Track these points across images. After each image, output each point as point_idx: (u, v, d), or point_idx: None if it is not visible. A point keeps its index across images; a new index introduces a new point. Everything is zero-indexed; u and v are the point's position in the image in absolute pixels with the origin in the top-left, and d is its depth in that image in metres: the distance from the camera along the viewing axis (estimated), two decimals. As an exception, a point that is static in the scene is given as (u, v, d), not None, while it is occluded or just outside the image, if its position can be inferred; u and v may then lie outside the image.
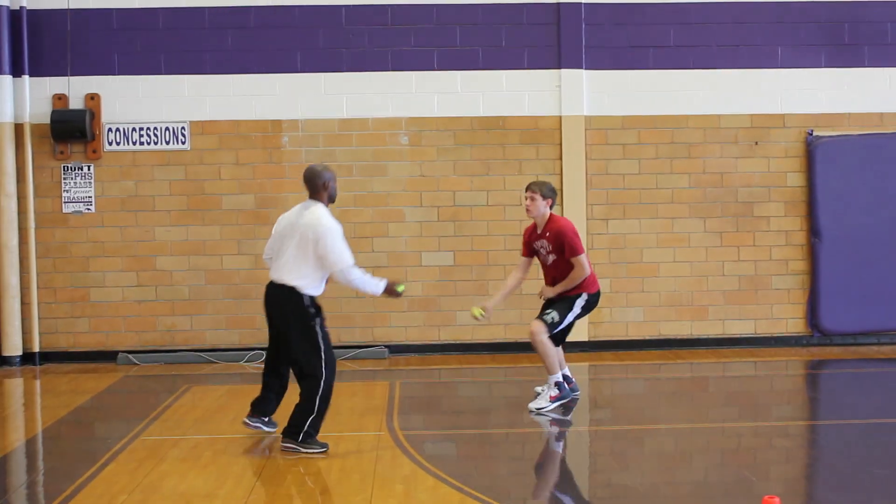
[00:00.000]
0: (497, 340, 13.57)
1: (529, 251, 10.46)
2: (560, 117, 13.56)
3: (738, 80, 13.75)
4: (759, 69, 13.77)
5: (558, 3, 13.49)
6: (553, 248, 10.09)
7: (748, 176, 13.71)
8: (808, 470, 8.41)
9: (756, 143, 13.69)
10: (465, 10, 13.54)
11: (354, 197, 13.45)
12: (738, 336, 13.73)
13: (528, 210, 10.24)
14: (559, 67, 13.55)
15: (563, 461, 9.10)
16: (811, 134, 13.66)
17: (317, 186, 8.80)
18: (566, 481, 8.46)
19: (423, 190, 13.54)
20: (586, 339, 13.53)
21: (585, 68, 13.56)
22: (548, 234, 10.13)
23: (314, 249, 8.48)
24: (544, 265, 10.32)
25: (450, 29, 13.55)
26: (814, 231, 13.55)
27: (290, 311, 8.56)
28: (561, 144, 13.55)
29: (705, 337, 13.71)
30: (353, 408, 10.44)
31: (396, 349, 13.46)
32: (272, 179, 13.45)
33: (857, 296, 13.49)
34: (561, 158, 13.53)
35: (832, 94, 13.81)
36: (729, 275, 13.73)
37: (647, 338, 13.68)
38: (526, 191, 10.29)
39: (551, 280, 10.24)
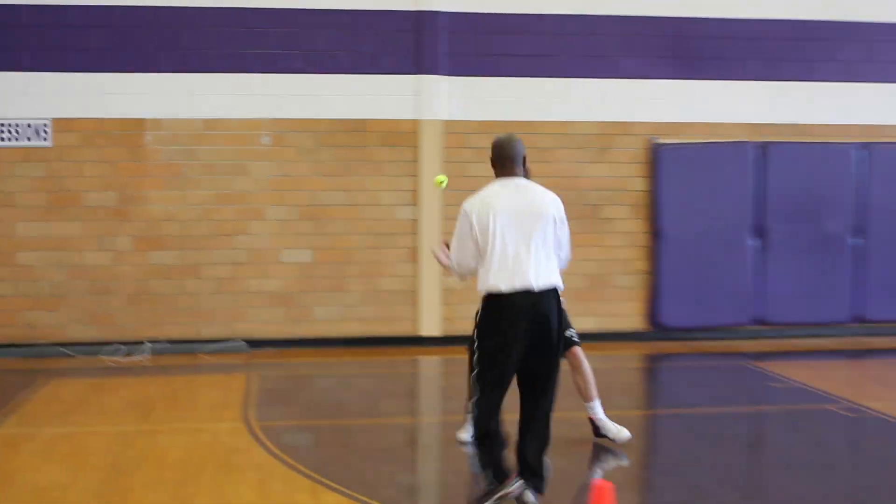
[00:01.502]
0: (354, 335, 13.56)
1: None
2: (419, 121, 13.62)
3: (588, 89, 13.97)
4: (608, 79, 14.00)
5: (418, 12, 13.54)
6: None
7: (596, 180, 13.96)
8: (642, 457, 8.61)
9: (603, 148, 13.95)
10: (328, 15, 13.48)
11: (216, 195, 13.30)
12: (583, 331, 13.91)
13: None
14: (418, 73, 13.60)
15: (415, 451, 9.17)
16: (654, 141, 13.99)
17: (520, 160, 6.89)
18: (417, 470, 8.55)
19: (284, 189, 13.45)
20: (440, 335, 13.63)
21: (444, 75, 13.63)
22: None
23: (557, 236, 6.82)
24: None
25: (313, 33, 13.48)
26: (655, 233, 13.87)
27: (556, 320, 6.62)
28: (419, 147, 13.61)
29: (554, 332, 13.88)
30: (212, 400, 10.34)
31: (256, 343, 13.34)
32: (135, 177, 13.20)
33: (693, 294, 13.85)
34: (419, 161, 13.59)
35: (674, 105, 14.12)
36: (575, 273, 13.85)
37: (499, 333, 13.79)
38: None
39: None
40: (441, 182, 7.96)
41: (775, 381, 11.55)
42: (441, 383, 12.59)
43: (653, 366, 13.25)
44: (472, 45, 13.74)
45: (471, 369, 6.85)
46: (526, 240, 6.60)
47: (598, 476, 7.55)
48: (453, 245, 6.83)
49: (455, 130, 13.67)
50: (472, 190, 13.71)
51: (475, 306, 14.26)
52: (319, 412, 10.22)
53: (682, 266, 13.85)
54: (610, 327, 13.86)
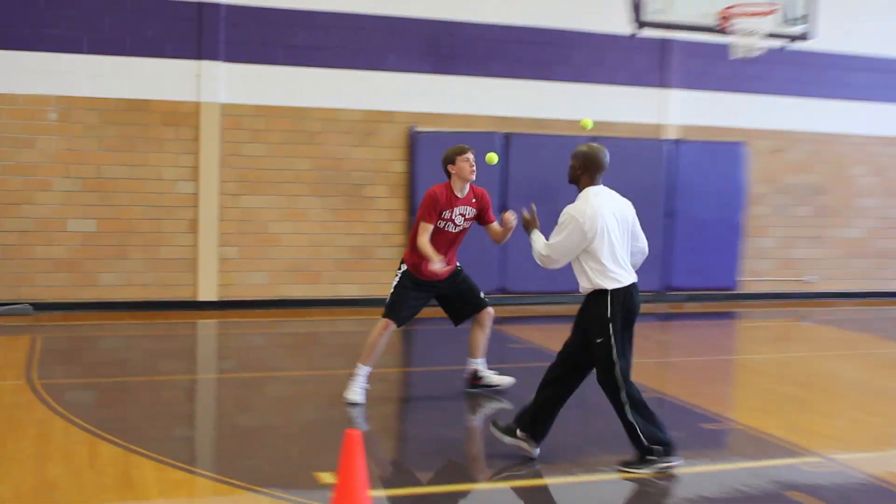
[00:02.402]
0: (136, 300, 13.24)
1: (438, 220, 8.51)
2: (199, 103, 13.35)
3: (355, 79, 14.03)
4: (373, 71, 14.10)
5: (199, 3, 13.26)
6: (475, 215, 8.59)
7: (360, 162, 14.06)
8: (400, 407, 8.77)
9: (368, 134, 14.06)
10: (115, 1, 13.05)
11: (3, 167, 12.69)
12: (347, 297, 14.09)
13: (472, 173, 8.42)
14: (199, 58, 13.34)
15: (192, 405, 9.02)
16: (413, 129, 14.18)
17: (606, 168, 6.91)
18: (195, 423, 8.40)
19: (70, 162, 12.96)
20: (216, 300, 13.46)
21: (223, 61, 13.42)
22: (474, 200, 8.56)
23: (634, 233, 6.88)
24: (448, 235, 8.54)
25: (100, 17, 12.99)
26: (412, 210, 14.05)
27: None
28: (199, 127, 13.36)
29: (319, 298, 13.96)
30: (-5, 360, 9.89)
31: (42, 307, 12.83)
32: (-79, 146, 12.50)
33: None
34: (198, 140, 13.35)
35: (433, 97, 14.36)
36: (340, 245, 14.05)
37: (270, 298, 13.77)
38: (468, 152, 8.45)
39: (446, 252, 8.54)
40: (587, 124, 7.62)
41: (514, 343, 11.96)
42: (216, 343, 12.46)
43: (408, 328, 13.40)
44: (249, 35, 13.57)
45: (612, 364, 6.62)
46: (624, 241, 6.72)
47: (355, 426, 7.64)
48: (559, 242, 6.70)
49: (232, 113, 13.49)
50: (246, 168, 13.69)
51: (250, 274, 14.20)
52: (101, 371, 9.92)
53: (435, 240, 14.05)
54: (371, 294, 13.93)
